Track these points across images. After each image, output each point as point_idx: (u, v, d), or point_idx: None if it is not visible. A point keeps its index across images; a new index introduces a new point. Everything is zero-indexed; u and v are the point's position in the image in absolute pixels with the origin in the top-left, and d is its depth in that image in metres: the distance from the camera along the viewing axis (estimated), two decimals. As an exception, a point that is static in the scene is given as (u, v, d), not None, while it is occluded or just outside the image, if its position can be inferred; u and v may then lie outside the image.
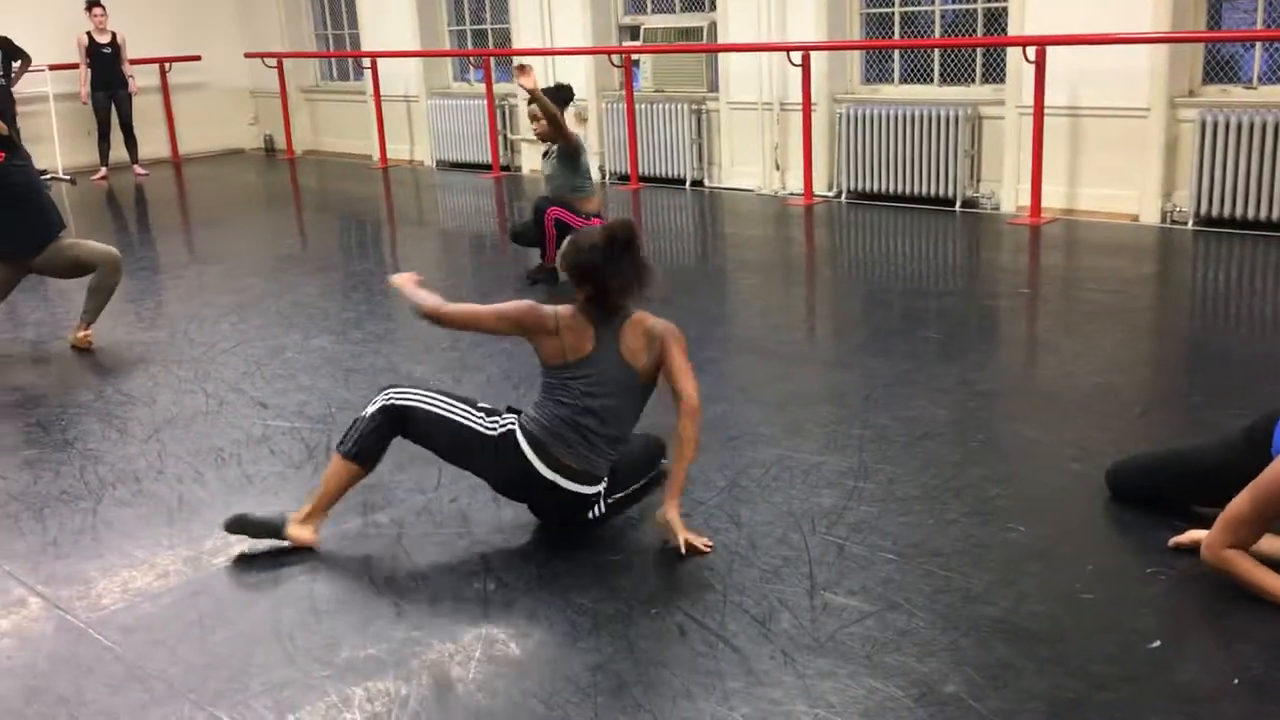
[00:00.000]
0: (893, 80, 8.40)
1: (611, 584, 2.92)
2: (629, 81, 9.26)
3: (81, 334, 5.28)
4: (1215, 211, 6.73)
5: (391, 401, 3.15)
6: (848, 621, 2.70)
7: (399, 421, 3.15)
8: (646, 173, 9.35)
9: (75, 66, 10.86)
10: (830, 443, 3.80)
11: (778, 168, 8.78)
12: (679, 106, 9.13)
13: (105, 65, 10.83)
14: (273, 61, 12.06)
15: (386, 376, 4.54)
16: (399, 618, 2.81)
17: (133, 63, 11.11)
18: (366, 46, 11.55)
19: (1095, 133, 7.21)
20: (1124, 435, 3.73)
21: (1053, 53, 6.97)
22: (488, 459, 3.16)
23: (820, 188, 8.42)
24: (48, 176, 10.56)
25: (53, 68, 10.98)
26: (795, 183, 8.57)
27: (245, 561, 3.15)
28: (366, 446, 3.15)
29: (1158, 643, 2.57)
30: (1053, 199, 7.34)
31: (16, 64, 10.41)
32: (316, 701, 2.49)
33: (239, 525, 3.17)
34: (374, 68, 11.16)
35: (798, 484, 3.47)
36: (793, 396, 4.31)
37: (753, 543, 3.11)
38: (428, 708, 2.44)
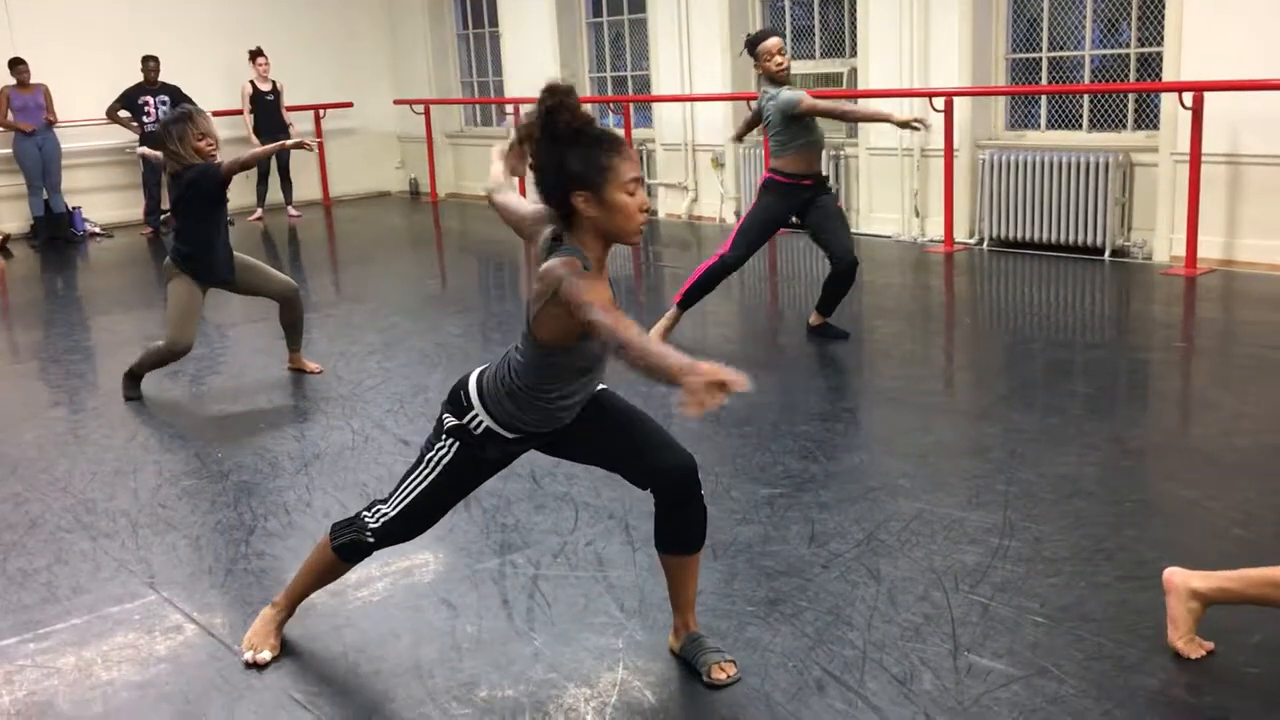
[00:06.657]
0: (1039, 126, 8.21)
1: (748, 635, 2.89)
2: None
3: (300, 364, 5.64)
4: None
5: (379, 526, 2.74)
6: (993, 685, 2.60)
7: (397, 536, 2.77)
8: (783, 218, 9.31)
9: (239, 112, 11.42)
10: (973, 498, 3.69)
11: (917, 214, 8.66)
12: (817, 152, 9.08)
13: (268, 112, 11.35)
14: (420, 108, 12.48)
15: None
16: (535, 659, 2.83)
17: (290, 109, 11.63)
18: (510, 93, 11.87)
19: (1256, 181, 6.90)
20: (1291, 500, 3.54)
21: (1211, 98, 6.72)
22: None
23: (961, 235, 8.27)
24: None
25: (217, 114, 11.53)
26: (935, 229, 8.44)
27: (387, 598, 3.22)
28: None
29: (1333, 725, 2.41)
30: (1209, 249, 7.05)
31: (184, 111, 10.99)
32: (455, 740, 2.52)
33: None
34: (516, 113, 11.43)
35: (939, 539, 3.39)
36: (933, 449, 4.22)
37: (892, 599, 3.04)
38: (563, 753, 2.45)
